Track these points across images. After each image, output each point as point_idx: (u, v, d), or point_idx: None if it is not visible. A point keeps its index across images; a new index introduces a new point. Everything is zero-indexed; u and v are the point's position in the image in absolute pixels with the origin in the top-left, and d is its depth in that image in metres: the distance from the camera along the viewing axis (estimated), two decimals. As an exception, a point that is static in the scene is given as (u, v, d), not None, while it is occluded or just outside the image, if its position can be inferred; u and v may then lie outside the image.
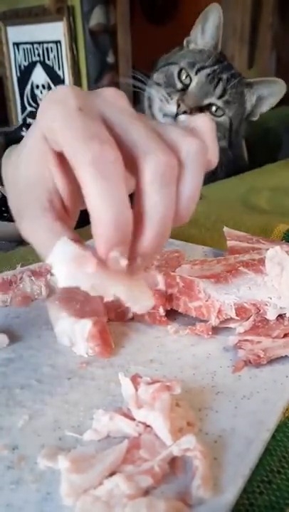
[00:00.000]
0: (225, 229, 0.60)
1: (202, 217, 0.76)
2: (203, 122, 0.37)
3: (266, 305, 0.44)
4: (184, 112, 1.13)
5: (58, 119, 0.33)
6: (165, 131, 0.35)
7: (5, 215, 0.54)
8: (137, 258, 0.35)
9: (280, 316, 0.44)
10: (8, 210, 0.54)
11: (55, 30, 2.67)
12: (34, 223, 0.35)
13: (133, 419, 0.34)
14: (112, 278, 0.34)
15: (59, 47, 2.70)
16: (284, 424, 0.36)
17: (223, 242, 0.59)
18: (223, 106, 1.17)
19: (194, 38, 1.24)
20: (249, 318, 0.44)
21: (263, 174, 1.10)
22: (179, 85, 1.17)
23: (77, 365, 0.42)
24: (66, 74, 2.72)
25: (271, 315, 0.44)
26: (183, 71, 1.17)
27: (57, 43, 2.70)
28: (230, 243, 0.57)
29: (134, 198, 0.34)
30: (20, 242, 0.71)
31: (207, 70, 1.17)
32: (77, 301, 0.46)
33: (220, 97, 1.17)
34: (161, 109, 1.18)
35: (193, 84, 1.16)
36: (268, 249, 0.45)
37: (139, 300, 0.36)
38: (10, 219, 0.55)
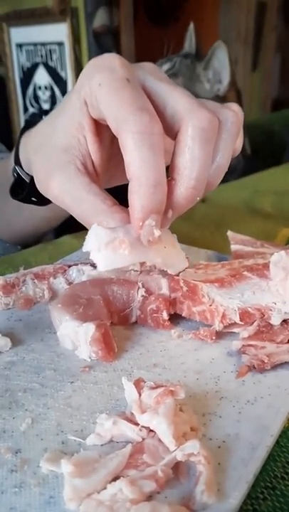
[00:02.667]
0: (229, 233, 0.60)
1: (206, 220, 0.76)
2: (237, 109, 0.39)
3: (270, 310, 0.44)
4: None
5: (106, 86, 0.34)
6: (203, 101, 0.38)
7: (20, 196, 0.55)
8: (168, 211, 0.36)
9: (285, 321, 0.44)
10: (23, 192, 0.55)
11: (58, 32, 2.67)
12: (68, 183, 0.37)
13: (136, 423, 0.34)
14: (147, 246, 0.35)
15: (62, 48, 2.70)
16: (288, 429, 0.36)
17: (227, 245, 0.58)
18: (170, 77, 1.27)
19: (184, 48, 1.44)
20: (253, 323, 0.44)
21: (267, 177, 1.10)
22: None
23: (80, 368, 0.42)
24: (69, 75, 2.72)
25: (275, 320, 0.44)
26: None
27: (60, 44, 2.70)
28: (234, 247, 0.57)
29: (173, 157, 0.36)
30: (23, 245, 0.70)
31: (165, 59, 1.35)
32: (80, 305, 0.46)
33: (167, 72, 1.31)
34: None
35: None
36: (272, 254, 0.45)
37: (174, 263, 0.38)
38: (25, 200, 0.55)
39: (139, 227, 0.34)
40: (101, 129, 0.37)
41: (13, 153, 0.56)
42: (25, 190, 0.55)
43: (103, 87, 0.34)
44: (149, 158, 0.33)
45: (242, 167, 1.35)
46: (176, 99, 0.36)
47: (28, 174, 0.54)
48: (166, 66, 1.31)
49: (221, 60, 1.29)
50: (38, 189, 0.40)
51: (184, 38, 1.43)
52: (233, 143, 0.38)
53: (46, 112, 0.57)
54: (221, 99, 1.35)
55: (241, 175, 1.19)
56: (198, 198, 0.37)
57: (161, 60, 1.36)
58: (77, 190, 0.37)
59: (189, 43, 1.39)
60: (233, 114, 0.38)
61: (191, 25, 1.40)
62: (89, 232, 0.35)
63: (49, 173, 0.38)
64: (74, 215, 0.38)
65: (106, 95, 0.34)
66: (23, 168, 0.54)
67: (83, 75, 0.37)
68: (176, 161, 0.35)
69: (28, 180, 0.54)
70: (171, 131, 0.36)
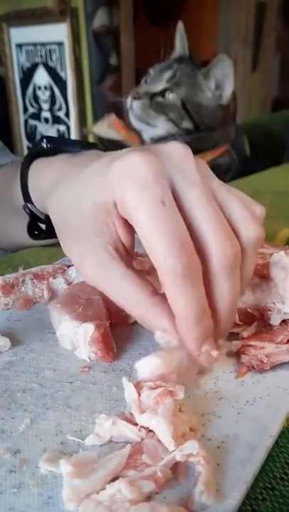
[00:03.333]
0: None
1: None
2: (260, 229, 0.39)
3: (270, 310, 0.44)
4: (134, 98, 1.34)
5: (142, 211, 0.34)
6: (228, 208, 0.37)
7: (36, 232, 0.54)
8: (219, 340, 0.38)
9: (284, 322, 0.44)
10: (39, 229, 0.54)
11: (58, 32, 2.67)
12: (103, 270, 0.38)
13: (136, 424, 0.34)
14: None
15: (62, 48, 2.70)
16: (287, 430, 0.36)
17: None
18: (172, 87, 1.32)
19: (175, 49, 1.43)
20: (253, 323, 0.44)
21: (267, 178, 1.10)
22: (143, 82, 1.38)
23: (79, 369, 0.42)
24: (69, 75, 2.73)
25: (275, 320, 0.44)
26: (148, 74, 1.37)
27: (60, 44, 2.70)
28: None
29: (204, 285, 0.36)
30: (14, 251, 0.70)
31: (162, 64, 1.35)
32: (79, 305, 0.46)
33: (168, 81, 1.32)
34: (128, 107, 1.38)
35: (148, 78, 1.36)
36: (271, 254, 0.45)
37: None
38: (45, 238, 0.54)
39: (197, 355, 0.36)
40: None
41: (9, 165, 0.55)
42: (42, 227, 0.54)
43: (139, 211, 0.34)
44: (191, 295, 0.34)
45: (238, 166, 1.36)
46: (202, 220, 0.35)
47: (42, 212, 0.53)
48: (167, 75, 1.32)
49: (225, 73, 1.30)
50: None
51: (175, 39, 1.42)
52: (256, 254, 0.39)
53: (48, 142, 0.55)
54: (224, 108, 1.35)
55: (239, 175, 1.19)
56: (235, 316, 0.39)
57: (159, 66, 1.36)
58: (113, 278, 0.37)
59: (181, 44, 1.39)
60: (257, 232, 0.38)
61: (180, 25, 1.39)
62: (142, 362, 0.37)
63: (83, 257, 0.39)
64: (114, 302, 0.38)
65: (143, 223, 0.34)
66: (35, 203, 0.53)
67: (114, 177, 0.36)
68: (208, 292, 0.36)
69: (43, 217, 0.52)
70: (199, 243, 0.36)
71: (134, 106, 1.34)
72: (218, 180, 0.39)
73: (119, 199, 0.36)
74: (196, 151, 1.30)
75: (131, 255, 0.39)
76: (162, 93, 1.32)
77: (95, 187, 0.38)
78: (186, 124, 1.34)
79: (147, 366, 0.37)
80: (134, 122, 1.39)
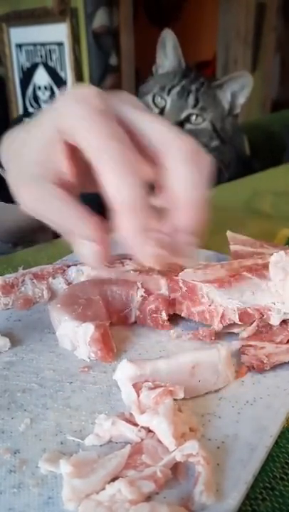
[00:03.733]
0: (228, 233, 0.60)
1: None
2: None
3: (270, 310, 0.44)
4: None
5: (81, 118, 0.36)
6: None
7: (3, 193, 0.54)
8: (190, 236, 0.37)
9: (284, 322, 0.44)
10: (7, 192, 0.54)
11: (57, 32, 2.67)
12: (43, 193, 0.38)
13: (135, 424, 0.34)
14: None
15: (62, 48, 2.70)
16: (287, 430, 0.36)
17: (227, 246, 0.58)
18: (200, 112, 1.29)
19: (160, 63, 1.38)
20: (252, 323, 0.44)
21: (267, 178, 1.10)
22: (156, 110, 1.30)
23: (79, 369, 0.42)
24: (68, 76, 2.72)
25: (275, 320, 0.44)
26: (156, 96, 1.31)
27: (59, 44, 2.70)
28: (233, 247, 0.57)
29: (164, 188, 0.38)
30: (14, 243, 0.70)
31: (177, 88, 1.29)
32: (79, 305, 0.46)
33: (194, 106, 1.29)
34: None
35: (167, 105, 1.29)
36: (271, 254, 0.45)
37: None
38: (8, 200, 0.54)
39: (142, 251, 0.36)
40: (74, 149, 0.38)
41: None
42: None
43: (79, 120, 0.36)
44: (125, 178, 0.34)
45: (237, 165, 1.35)
46: (152, 129, 0.38)
47: None
48: (190, 101, 1.27)
49: (244, 84, 1.29)
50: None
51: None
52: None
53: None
54: (235, 116, 1.36)
55: (239, 175, 1.19)
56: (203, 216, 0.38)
57: (175, 91, 1.30)
58: (50, 200, 0.38)
59: (175, 54, 1.34)
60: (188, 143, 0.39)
61: (170, 32, 1.33)
62: (119, 366, 0.38)
63: (22, 183, 0.39)
64: (48, 223, 0.39)
65: (83, 128, 0.36)
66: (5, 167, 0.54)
67: (60, 103, 0.38)
68: (168, 194, 0.37)
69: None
70: (153, 158, 0.38)
71: None
72: None
73: (62, 119, 0.37)
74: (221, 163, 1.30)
75: (74, 186, 0.40)
76: (187, 118, 1.30)
77: (42, 122, 0.40)
78: (215, 143, 1.32)
79: (121, 370, 0.37)
80: None
